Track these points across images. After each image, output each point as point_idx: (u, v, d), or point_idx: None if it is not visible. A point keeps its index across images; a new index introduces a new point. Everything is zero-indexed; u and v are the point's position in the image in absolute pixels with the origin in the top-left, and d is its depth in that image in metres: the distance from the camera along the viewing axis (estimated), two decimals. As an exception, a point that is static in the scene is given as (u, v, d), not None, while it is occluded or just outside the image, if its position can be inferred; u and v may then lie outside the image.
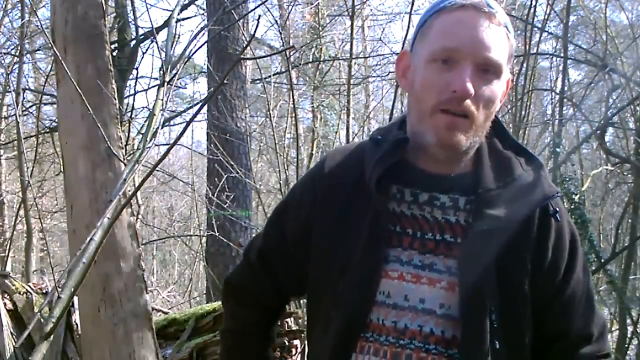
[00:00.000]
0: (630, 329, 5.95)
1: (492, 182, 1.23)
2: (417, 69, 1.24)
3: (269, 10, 8.08)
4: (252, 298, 1.46)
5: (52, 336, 1.39)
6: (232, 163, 6.04)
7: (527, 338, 1.22)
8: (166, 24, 5.88)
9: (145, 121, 6.15)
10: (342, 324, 1.22)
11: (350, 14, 6.14)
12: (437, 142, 1.20)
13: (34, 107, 7.79)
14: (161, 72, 2.46)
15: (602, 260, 5.93)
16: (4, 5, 7.72)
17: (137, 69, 6.93)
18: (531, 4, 6.33)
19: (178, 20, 4.33)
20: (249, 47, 5.78)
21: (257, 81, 8.04)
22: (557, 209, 1.23)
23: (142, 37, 6.96)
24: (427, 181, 1.25)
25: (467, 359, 1.16)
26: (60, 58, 2.59)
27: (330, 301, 1.25)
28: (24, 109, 7.51)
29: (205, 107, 6.38)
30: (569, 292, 1.25)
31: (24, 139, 6.99)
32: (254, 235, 6.51)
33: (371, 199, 1.23)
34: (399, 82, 1.33)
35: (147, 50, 7.18)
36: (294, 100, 6.23)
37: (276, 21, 8.38)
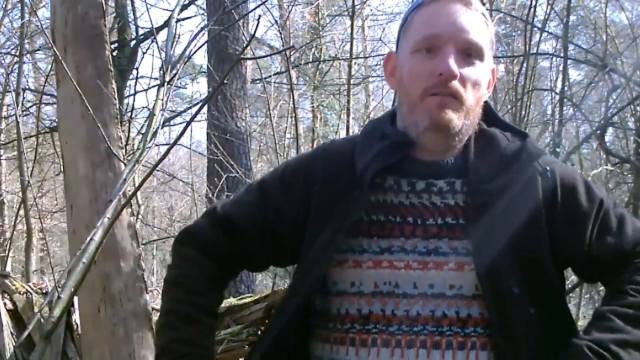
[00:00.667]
0: (630, 329, 5.94)
1: (481, 159, 1.26)
2: (403, 64, 1.29)
3: (269, 10, 8.09)
4: (211, 247, 1.34)
5: (52, 336, 1.39)
6: (232, 163, 6.05)
7: (556, 294, 1.24)
8: (166, 24, 5.88)
9: (145, 121, 6.14)
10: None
11: (350, 14, 6.15)
12: (431, 124, 1.23)
13: (34, 107, 7.78)
14: (161, 72, 2.46)
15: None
16: (4, 5, 7.73)
17: (137, 69, 6.92)
18: (531, 4, 6.32)
19: (178, 20, 4.33)
20: (249, 47, 5.79)
21: (257, 81, 8.05)
22: (547, 168, 1.25)
23: (142, 37, 6.95)
24: (423, 169, 1.28)
25: (502, 338, 1.17)
26: (60, 58, 2.59)
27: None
28: (24, 109, 7.50)
29: (205, 107, 6.38)
30: (597, 229, 1.25)
31: (24, 139, 6.97)
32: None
33: (359, 191, 1.25)
34: (388, 81, 1.38)
35: (147, 50, 7.17)
36: (294, 100, 6.24)
37: (276, 21, 8.38)
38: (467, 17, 1.23)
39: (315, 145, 8.49)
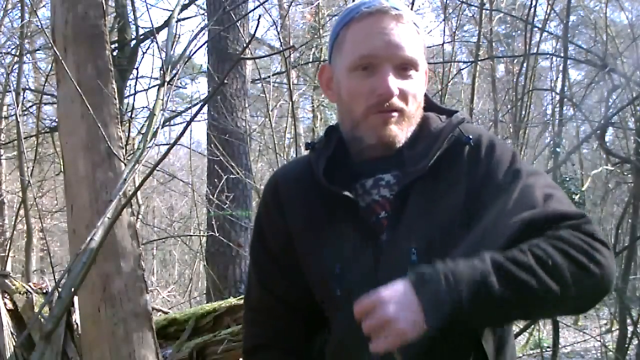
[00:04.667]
0: (630, 329, 5.94)
1: (412, 146, 1.27)
2: (341, 80, 1.30)
3: (268, 10, 8.08)
4: (277, 349, 1.36)
5: (52, 336, 1.39)
6: (232, 163, 6.05)
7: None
8: (166, 24, 5.88)
9: (145, 121, 6.15)
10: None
11: (350, 14, 6.14)
12: (378, 140, 1.25)
13: (34, 107, 7.79)
14: (161, 72, 2.46)
15: (602, 260, 5.91)
16: (4, 5, 7.74)
17: (137, 69, 6.91)
18: (531, 4, 6.34)
19: (178, 20, 4.34)
20: (249, 47, 5.78)
21: (257, 81, 8.04)
22: (470, 136, 1.25)
23: (142, 37, 6.95)
24: (371, 167, 1.29)
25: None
26: (61, 58, 2.59)
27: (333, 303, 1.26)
28: (24, 108, 7.50)
29: (205, 107, 6.38)
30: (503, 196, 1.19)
31: (24, 139, 6.97)
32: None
33: (336, 199, 1.25)
34: (325, 94, 1.40)
35: (147, 50, 7.18)
36: (293, 101, 6.24)
37: (276, 21, 8.37)
38: (399, 32, 1.25)
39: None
